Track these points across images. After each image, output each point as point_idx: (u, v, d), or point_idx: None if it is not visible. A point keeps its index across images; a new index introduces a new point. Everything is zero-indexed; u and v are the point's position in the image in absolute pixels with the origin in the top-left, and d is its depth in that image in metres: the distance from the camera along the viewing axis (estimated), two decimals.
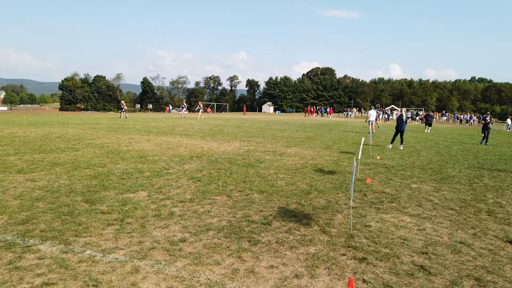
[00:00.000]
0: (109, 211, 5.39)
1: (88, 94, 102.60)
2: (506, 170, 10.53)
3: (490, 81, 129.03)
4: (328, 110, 70.21)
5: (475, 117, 60.89)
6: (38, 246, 4.09)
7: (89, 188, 6.64)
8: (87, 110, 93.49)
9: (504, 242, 4.72)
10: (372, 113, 24.99)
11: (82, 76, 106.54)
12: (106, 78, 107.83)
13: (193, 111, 41.39)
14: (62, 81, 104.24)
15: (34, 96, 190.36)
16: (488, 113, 22.90)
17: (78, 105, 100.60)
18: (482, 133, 20.17)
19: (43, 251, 3.98)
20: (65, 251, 4.00)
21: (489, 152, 15.35)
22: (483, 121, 20.70)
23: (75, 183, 7.04)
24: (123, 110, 35.91)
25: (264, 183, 7.56)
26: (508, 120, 42.78)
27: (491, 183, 8.56)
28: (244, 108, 65.26)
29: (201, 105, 40.81)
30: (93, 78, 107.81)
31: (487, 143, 19.37)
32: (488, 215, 5.90)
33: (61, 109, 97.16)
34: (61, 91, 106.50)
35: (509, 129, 40.98)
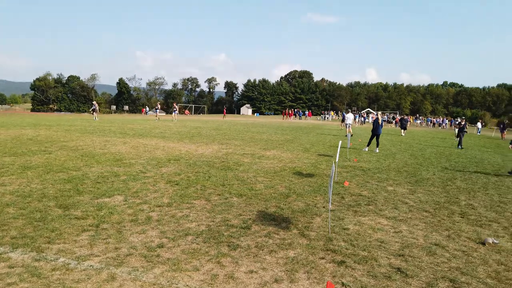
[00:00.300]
0: (83, 217, 5.24)
1: (62, 95, 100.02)
2: (477, 173, 10.87)
3: (461, 85, 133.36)
4: (306, 113, 70.87)
5: (447, 120, 62.75)
6: (8, 254, 3.93)
7: (62, 193, 6.44)
8: (60, 111, 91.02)
9: (477, 243, 4.86)
10: (350, 116, 25.36)
11: (55, 76, 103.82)
12: (81, 79, 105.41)
13: (170, 113, 40.49)
14: (34, 81, 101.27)
15: (4, 96, 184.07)
16: (463, 117, 23.50)
17: (50, 106, 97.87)
18: (457, 137, 20.64)
19: (14, 259, 3.82)
20: (38, 259, 3.86)
21: (461, 155, 15.84)
22: (458, 125, 21.20)
23: (48, 187, 6.82)
24: (95, 111, 34.93)
25: (243, 187, 7.53)
26: (479, 124, 44.41)
27: (463, 185, 8.82)
28: (224, 110, 65.05)
29: (176, 107, 39.89)
30: (66, 78, 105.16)
31: (459, 146, 19.88)
32: (461, 217, 6.07)
33: (32, 110, 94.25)
34: (33, 92, 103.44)
35: (479, 132, 42.45)
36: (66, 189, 6.73)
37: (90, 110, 34.98)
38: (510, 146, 13.14)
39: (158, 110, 39.98)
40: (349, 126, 24.72)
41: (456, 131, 25.83)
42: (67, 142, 13.65)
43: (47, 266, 3.71)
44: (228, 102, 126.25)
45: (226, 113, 65.20)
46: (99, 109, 36.72)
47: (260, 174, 8.93)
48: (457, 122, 28.54)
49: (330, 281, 3.40)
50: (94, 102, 36.73)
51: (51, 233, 4.56)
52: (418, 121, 67.93)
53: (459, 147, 19.77)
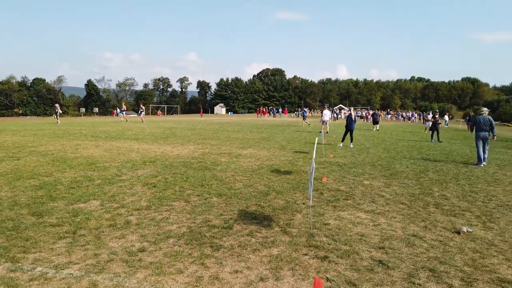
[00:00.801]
0: (59, 224, 5.07)
1: (27, 98, 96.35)
2: (448, 164, 11.25)
3: (428, 80, 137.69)
4: (281, 110, 71.26)
5: (416, 114, 64.67)
6: None
7: (35, 200, 6.21)
8: (26, 115, 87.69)
9: (452, 233, 5.02)
10: (327, 113, 25.33)
11: (19, 79, 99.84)
12: (46, 81, 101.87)
13: (139, 115, 39.02)
14: None
15: None
16: (437, 111, 23.75)
17: (15, 110, 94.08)
18: (431, 130, 20.96)
19: None
20: (13, 269, 3.70)
21: (431, 147, 16.35)
22: (432, 119, 21.18)
23: (19, 195, 6.55)
24: (57, 114, 32.88)
25: (222, 186, 7.49)
26: (446, 117, 46.03)
27: (435, 177, 9.11)
28: (201, 110, 64.48)
29: (143, 108, 38.16)
30: (31, 81, 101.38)
31: (438, 140, 19.88)
32: (435, 208, 6.27)
33: None
34: None
35: (446, 125, 43.97)
36: (39, 196, 6.49)
37: (57, 114, 32.85)
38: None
39: (124, 112, 37.96)
40: (326, 123, 24.47)
41: (428, 125, 26.42)
42: (36, 147, 13.17)
43: (23, 276, 3.56)
44: (201, 102, 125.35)
45: (202, 112, 64.79)
46: (60, 112, 34.60)
47: (238, 173, 8.91)
48: (429, 116, 28.99)
49: (316, 277, 3.43)
50: (57, 105, 34.74)
51: (25, 242, 4.38)
52: (389, 116, 69.63)
53: (438, 140, 19.72)
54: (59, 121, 32.24)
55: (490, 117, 11.62)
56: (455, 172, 9.79)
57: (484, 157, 11.34)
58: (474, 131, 12.05)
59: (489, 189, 7.84)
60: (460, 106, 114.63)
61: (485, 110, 11.93)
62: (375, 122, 30.51)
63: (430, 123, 25.74)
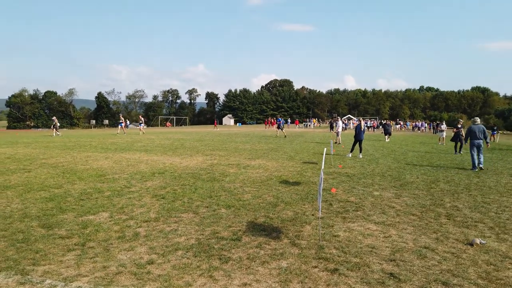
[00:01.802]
0: (68, 236, 5.08)
1: (38, 111, 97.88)
2: (459, 174, 11.10)
3: (437, 89, 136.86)
4: (289, 121, 70.52)
5: (425, 124, 64.08)
6: None
7: (45, 212, 6.25)
8: (38, 127, 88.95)
9: (465, 245, 4.93)
10: (339, 124, 25.26)
11: (31, 92, 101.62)
12: (58, 94, 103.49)
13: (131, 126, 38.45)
14: (9, 98, 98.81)
15: None
16: (460, 120, 21.03)
17: (27, 122, 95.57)
18: (453, 141, 18.97)
19: None
20: (23, 282, 3.71)
21: (441, 157, 16.16)
22: (455, 129, 19.16)
23: (29, 207, 6.61)
24: (55, 126, 32.08)
25: (231, 197, 7.47)
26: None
27: (447, 187, 8.98)
28: (216, 121, 64.78)
29: (142, 119, 38.27)
30: (43, 94, 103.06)
31: (461, 151, 18.13)
32: (447, 219, 6.16)
33: (8, 127, 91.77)
34: (8, 108, 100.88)
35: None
36: (49, 207, 6.53)
37: (55, 127, 32.02)
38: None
39: (122, 124, 36.66)
40: (338, 134, 24.46)
41: (441, 135, 24.58)
42: (47, 159, 13.32)
43: None
44: (209, 113, 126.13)
45: (217, 123, 65.27)
46: (58, 125, 33.50)
47: (246, 184, 8.89)
48: (442, 126, 25.76)
49: None
50: (54, 118, 34.03)
51: (35, 255, 4.40)
52: (398, 126, 69.11)
53: (457, 153, 18.00)
54: (56, 134, 31.51)
55: (483, 126, 12.56)
56: (467, 183, 9.65)
57: (479, 161, 12.25)
58: (468, 140, 12.89)
59: (502, 199, 7.70)
60: (470, 115, 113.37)
61: (478, 120, 12.91)
62: (387, 132, 28.66)
63: (444, 133, 24.74)
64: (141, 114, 41.40)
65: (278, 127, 31.08)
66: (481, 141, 12.34)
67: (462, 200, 7.58)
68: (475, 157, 12.18)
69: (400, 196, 7.87)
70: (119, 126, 36.21)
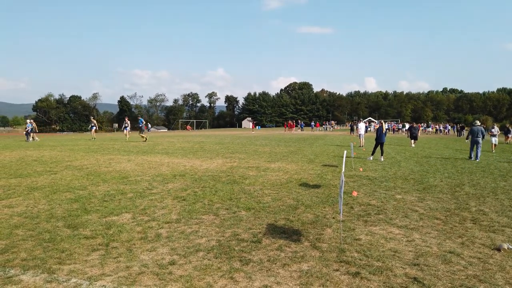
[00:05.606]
0: (93, 236, 5.20)
1: (64, 115, 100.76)
2: (485, 178, 10.79)
3: (461, 91, 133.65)
4: (313, 124, 69.60)
5: (449, 126, 62.62)
6: (20, 277, 3.88)
7: (70, 213, 6.42)
8: (63, 131, 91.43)
9: (492, 249, 4.78)
10: (362, 126, 25.03)
11: (57, 97, 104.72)
12: (82, 98, 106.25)
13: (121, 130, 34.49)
14: (36, 102, 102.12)
15: (6, 119, 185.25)
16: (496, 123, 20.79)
17: (53, 126, 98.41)
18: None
19: (25, 281, 3.78)
20: (49, 280, 3.81)
21: (465, 161, 15.75)
22: (489, 133, 18.84)
23: (55, 207, 6.79)
24: (32, 131, 29.15)
25: (251, 200, 7.49)
26: (494, 130, 43.92)
27: (472, 191, 8.74)
28: (253, 124, 64.01)
29: (128, 122, 31.44)
30: (68, 98, 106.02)
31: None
32: (473, 223, 6.00)
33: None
34: (35, 113, 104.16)
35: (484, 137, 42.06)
36: (74, 208, 6.70)
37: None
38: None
39: (128, 128, 31.31)
40: (361, 137, 24.28)
41: (495, 140, 22.14)
42: (72, 162, 13.67)
43: (59, 287, 3.66)
44: (229, 116, 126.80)
45: (255, 126, 64.04)
46: (36, 129, 30.21)
47: (266, 187, 8.89)
48: (494, 130, 23.11)
49: None
50: (28, 120, 30.18)
51: (61, 254, 4.52)
52: (430, 129, 67.53)
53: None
54: (34, 138, 29.11)
55: (482, 128, 16.11)
56: (493, 186, 9.37)
57: (477, 155, 15.67)
58: (470, 138, 16.40)
59: None
60: (496, 117, 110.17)
61: (478, 122, 16.73)
62: (413, 137, 25.41)
63: (497, 138, 22.59)
64: (126, 117, 32.06)
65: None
66: (480, 138, 15.81)
67: (488, 204, 7.36)
68: (473, 151, 16.00)
69: (423, 200, 7.70)
70: (125, 130, 31.05)
